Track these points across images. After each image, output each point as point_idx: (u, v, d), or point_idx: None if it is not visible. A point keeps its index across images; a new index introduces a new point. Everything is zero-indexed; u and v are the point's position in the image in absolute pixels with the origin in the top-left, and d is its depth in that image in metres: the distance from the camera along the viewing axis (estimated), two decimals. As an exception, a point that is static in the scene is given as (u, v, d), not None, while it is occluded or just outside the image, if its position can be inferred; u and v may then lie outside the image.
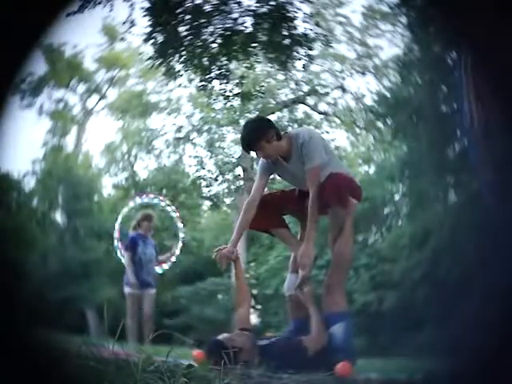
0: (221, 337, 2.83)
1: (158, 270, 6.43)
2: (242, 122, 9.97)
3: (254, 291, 11.03)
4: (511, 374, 1.26)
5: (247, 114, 9.73)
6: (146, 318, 5.65)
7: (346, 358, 2.77)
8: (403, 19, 8.41)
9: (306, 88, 9.99)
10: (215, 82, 8.03)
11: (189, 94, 10.57)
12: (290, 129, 9.22)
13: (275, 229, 3.36)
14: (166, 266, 6.81)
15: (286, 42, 7.56)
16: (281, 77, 9.53)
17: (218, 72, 7.78)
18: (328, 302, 3.11)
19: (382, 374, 2.68)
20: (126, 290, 5.69)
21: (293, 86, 9.99)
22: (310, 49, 7.93)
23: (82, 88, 11.15)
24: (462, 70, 2.77)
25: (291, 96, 10.10)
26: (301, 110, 10.42)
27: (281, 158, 3.18)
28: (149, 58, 7.53)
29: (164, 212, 8.60)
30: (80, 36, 8.94)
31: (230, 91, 8.42)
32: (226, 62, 7.74)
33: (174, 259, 7.03)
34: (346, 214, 3.12)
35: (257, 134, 3.08)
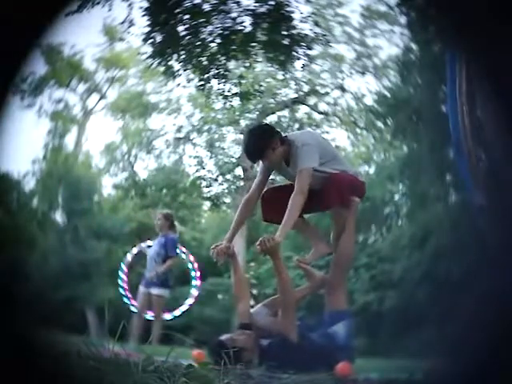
0: (223, 337, 2.83)
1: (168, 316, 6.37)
2: (242, 121, 9.97)
3: (254, 291, 11.03)
4: (511, 374, 1.26)
5: (247, 114, 9.74)
6: (154, 318, 5.67)
7: (347, 357, 2.78)
8: (403, 19, 8.42)
9: (306, 88, 9.99)
10: (214, 82, 8.03)
11: (188, 94, 10.58)
12: (290, 130, 9.24)
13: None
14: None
15: (285, 41, 7.56)
16: (281, 77, 9.54)
17: (216, 71, 7.79)
18: (330, 301, 3.11)
19: (382, 374, 2.67)
20: (139, 288, 5.82)
21: (293, 85, 10.00)
22: (309, 48, 7.94)
23: (81, 88, 11.17)
24: (457, 71, 2.74)
25: (291, 96, 10.10)
26: (301, 110, 10.44)
27: (282, 161, 3.16)
28: (147, 58, 7.54)
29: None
30: (80, 36, 8.94)
31: (229, 91, 8.43)
32: (224, 62, 7.75)
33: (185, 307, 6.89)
34: (348, 213, 3.12)
35: (262, 144, 3.02)
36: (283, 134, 3.18)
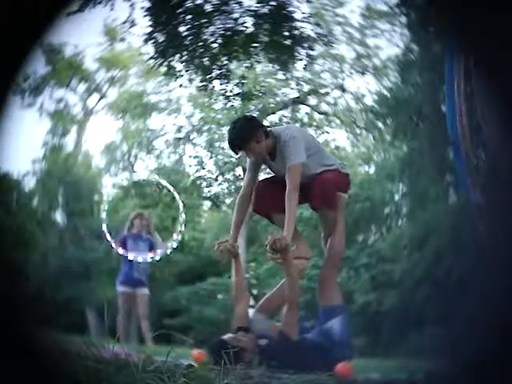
0: (224, 337, 2.84)
1: (152, 258, 5.97)
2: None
3: (254, 291, 11.03)
4: (511, 374, 1.25)
5: (247, 114, 9.72)
6: (141, 317, 5.67)
7: (345, 352, 2.79)
8: (403, 19, 8.41)
9: (306, 88, 9.98)
10: (216, 82, 8.03)
11: (189, 94, 10.58)
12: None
13: (276, 214, 3.25)
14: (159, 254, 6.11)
15: (287, 42, 7.56)
16: (281, 76, 9.53)
17: (218, 72, 7.79)
18: (322, 297, 3.13)
19: (382, 374, 2.67)
20: (118, 288, 5.75)
21: (293, 85, 9.99)
22: (311, 49, 7.93)
23: (82, 88, 11.15)
24: (455, 71, 2.73)
25: (291, 96, 10.09)
26: (301, 110, 10.43)
27: (267, 155, 3.17)
28: (150, 58, 7.54)
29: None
30: (80, 36, 8.93)
31: (231, 91, 8.42)
32: (226, 62, 7.75)
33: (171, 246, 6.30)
34: (335, 212, 3.15)
35: (246, 134, 3.04)
36: (268, 128, 3.20)
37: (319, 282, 3.20)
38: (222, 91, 8.35)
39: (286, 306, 2.98)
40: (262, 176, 3.57)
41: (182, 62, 7.59)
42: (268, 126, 3.29)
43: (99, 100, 11.48)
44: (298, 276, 3.17)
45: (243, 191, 3.28)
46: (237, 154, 3.27)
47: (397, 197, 9.94)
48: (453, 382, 1.42)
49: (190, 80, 8.12)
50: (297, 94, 10.05)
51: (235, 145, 3.12)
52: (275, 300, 3.16)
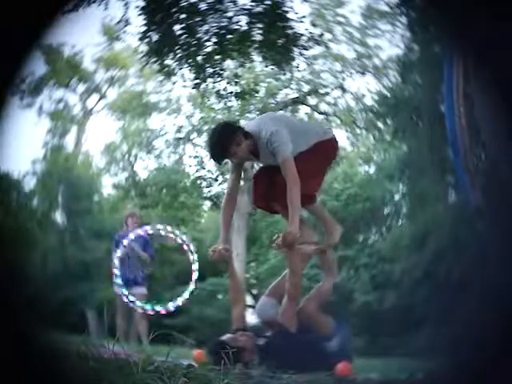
0: (224, 337, 2.85)
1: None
2: (242, 122, 9.95)
3: (254, 291, 11.04)
4: (511, 374, 1.26)
5: (247, 114, 9.72)
6: (138, 318, 5.65)
7: (345, 355, 2.80)
8: (403, 19, 8.41)
9: (306, 88, 9.99)
10: (209, 81, 8.02)
11: (189, 93, 10.57)
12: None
13: (278, 204, 3.21)
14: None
15: (281, 41, 7.55)
16: (280, 76, 9.53)
17: (212, 70, 7.78)
18: (315, 328, 3.11)
19: (382, 374, 2.68)
20: (116, 288, 5.73)
21: (293, 85, 9.99)
22: (305, 49, 7.92)
23: (81, 88, 11.15)
24: (454, 71, 2.73)
25: (291, 96, 10.09)
26: (301, 110, 10.43)
27: (251, 154, 3.15)
28: (143, 56, 7.53)
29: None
30: (79, 36, 8.93)
31: (224, 89, 8.42)
32: (220, 61, 7.74)
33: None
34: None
35: (225, 142, 3.03)
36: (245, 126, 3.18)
37: (303, 317, 3.11)
38: (215, 89, 8.34)
39: (286, 296, 3.00)
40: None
41: (176, 61, 7.57)
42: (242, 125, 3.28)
43: (99, 100, 11.49)
44: (307, 261, 3.17)
45: (228, 192, 3.28)
46: (221, 164, 3.28)
47: (397, 197, 9.94)
48: (453, 382, 1.42)
49: (184, 79, 8.11)
50: (297, 94, 10.05)
51: (218, 156, 3.12)
52: (282, 286, 3.17)
